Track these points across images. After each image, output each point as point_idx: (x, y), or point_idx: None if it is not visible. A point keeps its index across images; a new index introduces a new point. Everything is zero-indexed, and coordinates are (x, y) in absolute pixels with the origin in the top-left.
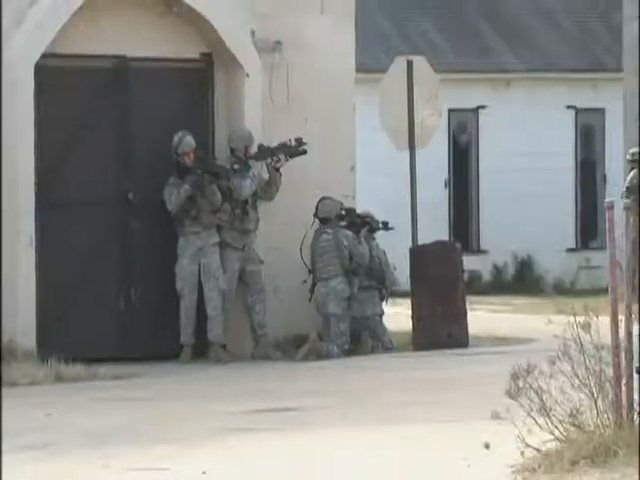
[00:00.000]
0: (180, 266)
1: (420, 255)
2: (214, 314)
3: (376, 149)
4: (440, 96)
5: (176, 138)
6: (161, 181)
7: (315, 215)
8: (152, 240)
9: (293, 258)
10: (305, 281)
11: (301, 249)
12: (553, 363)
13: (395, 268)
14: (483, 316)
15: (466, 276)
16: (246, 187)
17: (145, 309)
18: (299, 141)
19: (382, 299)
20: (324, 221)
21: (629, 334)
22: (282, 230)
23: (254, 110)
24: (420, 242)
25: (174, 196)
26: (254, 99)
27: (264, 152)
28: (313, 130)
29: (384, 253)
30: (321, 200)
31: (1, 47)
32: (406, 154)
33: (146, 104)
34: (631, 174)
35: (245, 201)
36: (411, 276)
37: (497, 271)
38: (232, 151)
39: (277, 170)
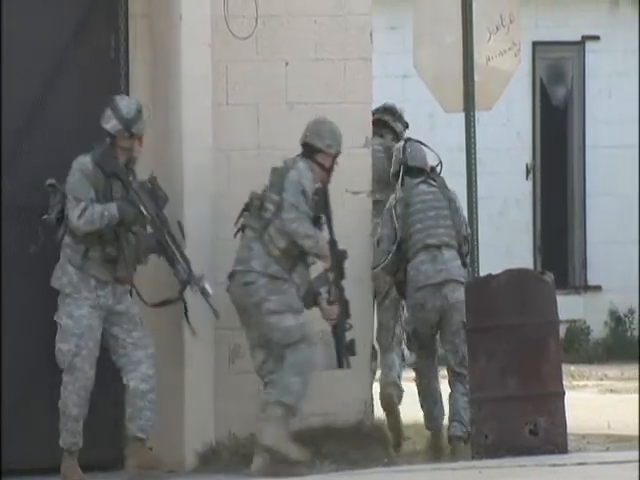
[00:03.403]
0: (72, 314)
1: (483, 294)
2: (145, 388)
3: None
4: (519, 20)
5: (125, 106)
6: (65, 159)
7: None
8: (35, 263)
9: None
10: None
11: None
12: None
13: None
14: (592, 399)
15: (563, 331)
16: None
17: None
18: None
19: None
20: (418, 172)
21: None
22: None
23: (196, 47)
24: (483, 271)
25: (92, 210)
26: (197, 22)
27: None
28: (299, 79)
29: None
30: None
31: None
32: (457, 119)
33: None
34: None
35: None
36: (467, 329)
37: (617, 322)
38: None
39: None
